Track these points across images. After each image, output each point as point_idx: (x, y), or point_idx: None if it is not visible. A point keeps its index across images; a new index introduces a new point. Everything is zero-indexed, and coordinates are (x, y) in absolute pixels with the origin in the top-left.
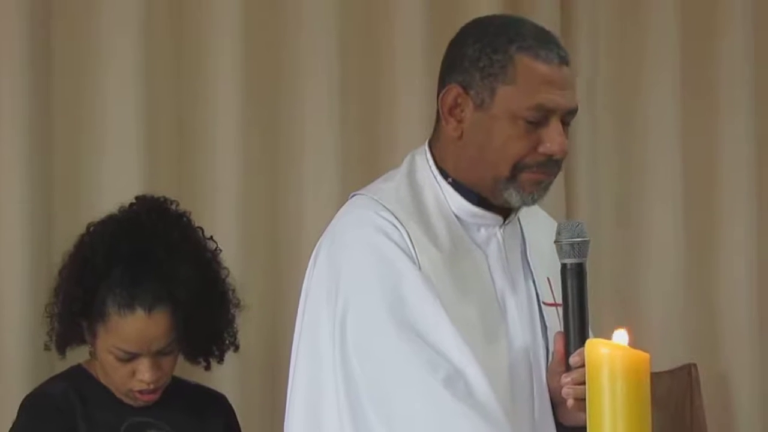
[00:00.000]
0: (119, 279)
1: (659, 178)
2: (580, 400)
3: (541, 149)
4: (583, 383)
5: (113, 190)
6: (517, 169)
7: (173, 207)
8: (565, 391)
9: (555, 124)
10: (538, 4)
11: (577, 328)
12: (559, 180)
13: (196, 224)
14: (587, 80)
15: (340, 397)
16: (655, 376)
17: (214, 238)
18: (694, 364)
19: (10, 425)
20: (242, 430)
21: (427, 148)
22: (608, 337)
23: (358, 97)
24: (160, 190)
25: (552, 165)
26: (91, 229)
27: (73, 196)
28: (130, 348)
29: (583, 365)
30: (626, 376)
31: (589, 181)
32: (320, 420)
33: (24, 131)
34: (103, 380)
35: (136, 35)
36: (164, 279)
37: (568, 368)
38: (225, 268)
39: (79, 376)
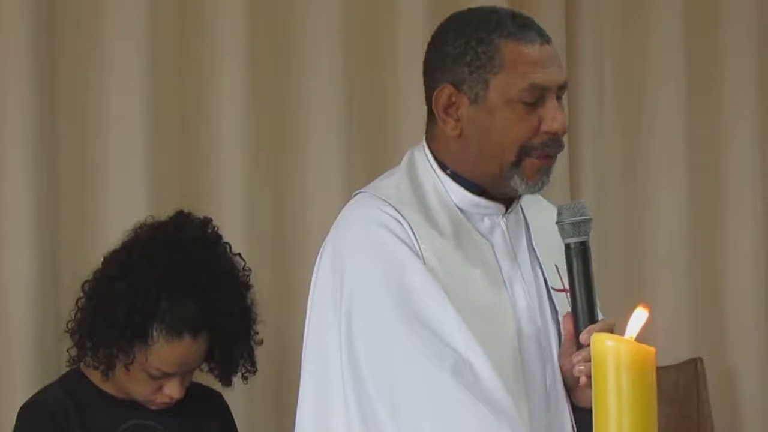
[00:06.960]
0: (169, 306)
1: (664, 167)
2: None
3: (543, 128)
4: None
5: (119, 190)
6: (523, 152)
7: (211, 228)
8: (576, 369)
9: (551, 102)
10: (542, 2)
11: (585, 306)
12: (563, 166)
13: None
14: (594, 73)
15: (347, 392)
16: (661, 371)
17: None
18: (700, 359)
19: None
20: (251, 429)
21: (425, 144)
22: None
23: (363, 95)
24: (165, 191)
25: (555, 144)
26: (131, 249)
27: (79, 198)
28: (169, 369)
29: None
30: (632, 371)
31: (594, 168)
32: (329, 415)
33: (29, 132)
34: (116, 386)
35: (141, 35)
36: (207, 305)
37: (579, 347)
38: (252, 286)
39: (76, 381)
